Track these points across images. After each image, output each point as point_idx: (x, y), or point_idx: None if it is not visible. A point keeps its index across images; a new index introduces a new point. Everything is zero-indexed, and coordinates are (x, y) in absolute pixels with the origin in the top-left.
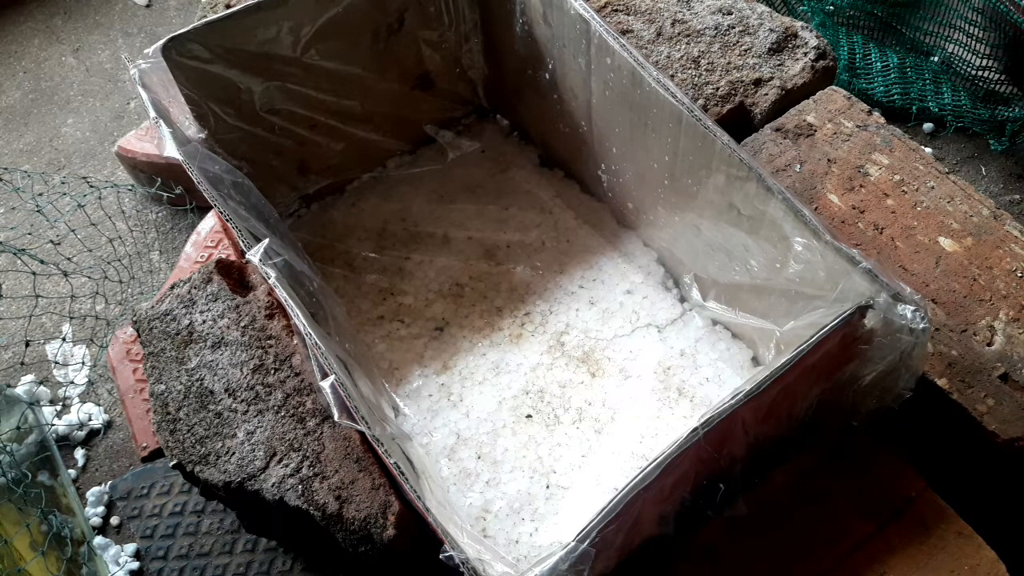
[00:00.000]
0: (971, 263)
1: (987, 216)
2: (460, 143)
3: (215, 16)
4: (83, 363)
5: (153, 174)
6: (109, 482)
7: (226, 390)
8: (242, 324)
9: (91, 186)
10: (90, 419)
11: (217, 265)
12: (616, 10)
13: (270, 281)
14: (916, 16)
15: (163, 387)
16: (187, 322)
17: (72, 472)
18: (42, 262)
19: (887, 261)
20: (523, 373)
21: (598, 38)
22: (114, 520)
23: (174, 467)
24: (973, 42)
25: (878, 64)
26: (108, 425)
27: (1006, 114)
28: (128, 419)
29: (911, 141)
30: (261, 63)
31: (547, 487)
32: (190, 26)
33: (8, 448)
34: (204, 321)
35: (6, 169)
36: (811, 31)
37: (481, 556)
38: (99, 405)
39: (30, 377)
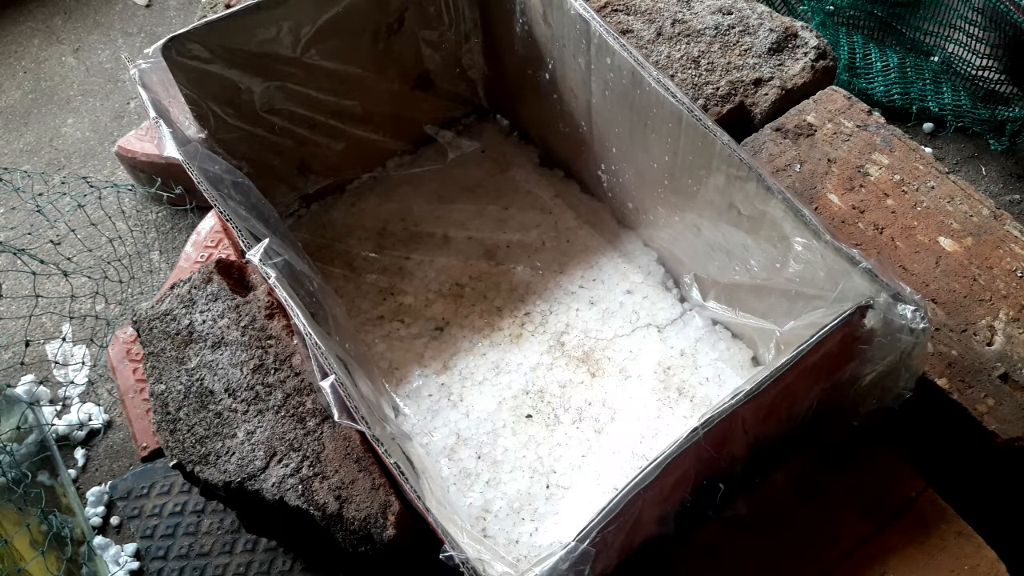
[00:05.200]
0: (971, 263)
1: (987, 216)
2: (460, 143)
3: (215, 16)
4: (83, 363)
5: (153, 174)
6: (109, 482)
7: (226, 390)
8: (242, 324)
9: (91, 186)
10: (90, 419)
11: (217, 265)
12: (616, 10)
13: (270, 281)
14: (916, 16)
15: (163, 387)
16: (187, 322)
17: (72, 472)
18: (42, 262)
19: (887, 261)
20: (523, 373)
21: (598, 38)
22: (114, 520)
23: (174, 467)
24: (973, 42)
25: (878, 64)
26: (108, 425)
27: (1006, 114)
28: (128, 419)
29: (911, 141)
30: (261, 63)
31: (547, 487)
32: (190, 26)
33: (8, 448)
34: (204, 321)
35: (6, 169)
36: (811, 31)
37: (481, 556)
38: (99, 405)
39: (30, 377)
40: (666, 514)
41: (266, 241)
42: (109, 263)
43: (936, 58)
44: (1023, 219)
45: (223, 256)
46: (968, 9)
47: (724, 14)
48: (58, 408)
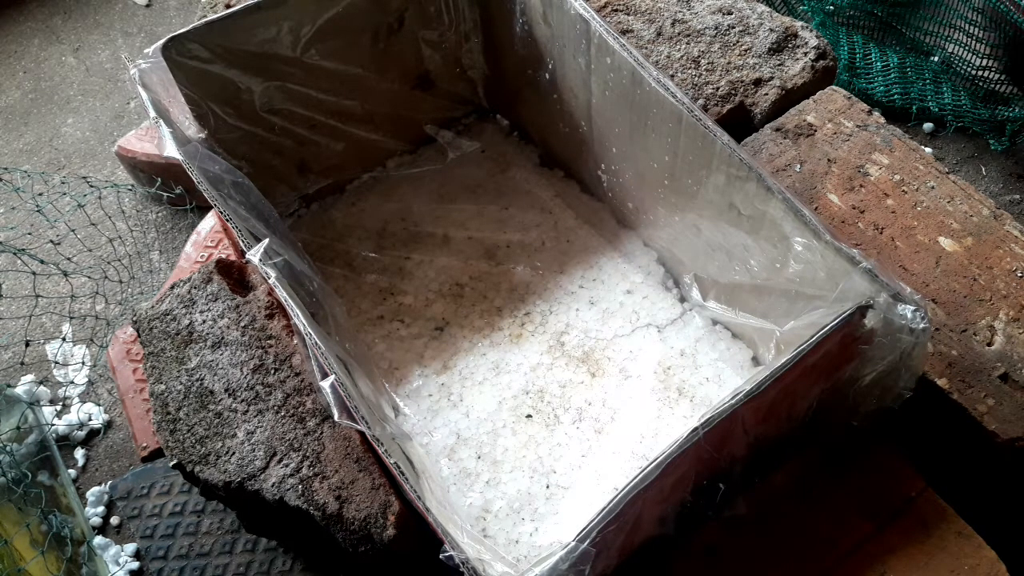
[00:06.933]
0: (971, 263)
1: (987, 216)
2: (460, 143)
3: (215, 16)
4: (83, 363)
5: (153, 174)
6: (109, 482)
7: (226, 390)
8: (242, 324)
9: (91, 186)
10: (90, 419)
11: (217, 265)
12: (616, 10)
13: (270, 281)
14: (916, 16)
15: (163, 387)
16: (187, 322)
17: (72, 472)
18: (42, 262)
19: (887, 261)
20: (523, 373)
21: (598, 38)
22: (114, 520)
23: (174, 467)
24: (973, 42)
25: (878, 64)
26: (108, 425)
27: (1006, 114)
28: (128, 419)
29: (911, 141)
30: (261, 63)
31: (547, 487)
32: (190, 26)
33: (8, 448)
34: (204, 321)
35: (6, 169)
36: (811, 31)
37: (481, 556)
38: (99, 405)
39: (30, 377)
40: (666, 514)
41: (266, 241)
42: (109, 263)
43: (936, 58)
44: (1023, 219)
45: (223, 256)
46: (968, 9)
47: (724, 14)
48: (58, 408)
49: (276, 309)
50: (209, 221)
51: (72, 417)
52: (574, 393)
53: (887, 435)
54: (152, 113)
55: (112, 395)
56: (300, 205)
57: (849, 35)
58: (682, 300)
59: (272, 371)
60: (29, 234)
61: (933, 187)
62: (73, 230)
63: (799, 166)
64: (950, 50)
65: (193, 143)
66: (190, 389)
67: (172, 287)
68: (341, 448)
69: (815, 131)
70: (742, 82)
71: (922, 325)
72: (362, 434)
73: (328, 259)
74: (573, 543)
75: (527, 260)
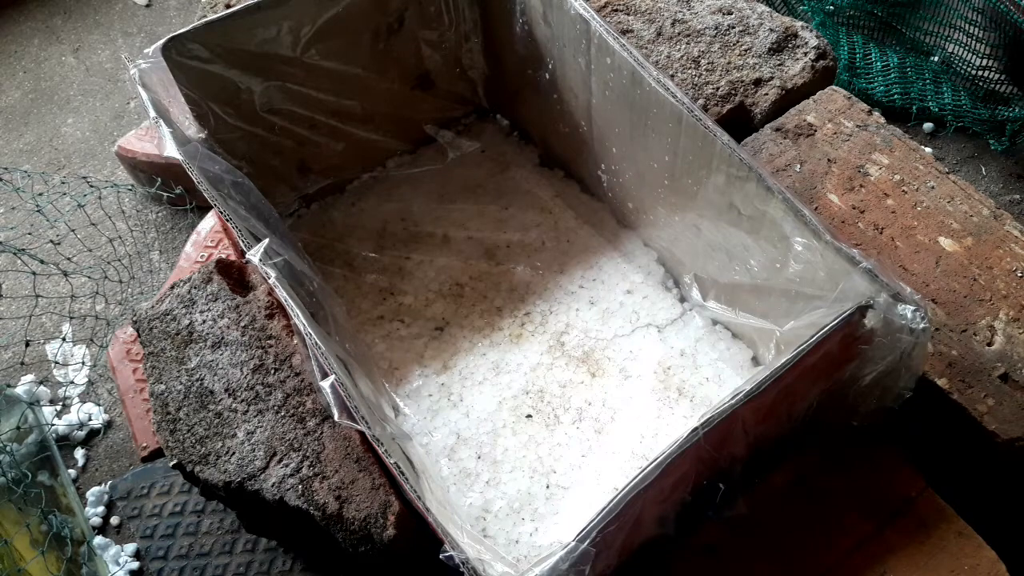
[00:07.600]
0: (971, 263)
1: (987, 216)
2: (460, 143)
3: (215, 16)
4: (83, 363)
5: (153, 174)
6: (109, 482)
7: (226, 390)
8: (242, 324)
9: (91, 186)
10: (90, 419)
11: (217, 265)
12: (616, 10)
13: (270, 281)
14: (916, 16)
15: (163, 387)
16: (187, 322)
17: (72, 472)
18: (42, 262)
19: (887, 261)
20: (523, 373)
21: (598, 38)
22: (114, 520)
23: (174, 467)
24: (973, 42)
25: (878, 64)
26: (108, 425)
27: (1006, 114)
28: (128, 419)
29: (911, 141)
30: (261, 63)
31: (547, 487)
32: (190, 26)
33: (8, 448)
34: (204, 321)
35: (6, 169)
36: (811, 31)
37: (481, 556)
38: (99, 405)
39: (30, 377)
40: (666, 514)
41: (266, 241)
42: (109, 263)
43: (936, 58)
44: (1023, 219)
45: (223, 256)
46: (968, 9)
47: (724, 14)
48: (58, 408)
49: (276, 309)
50: (209, 221)
51: (72, 417)
52: (574, 393)
53: (887, 435)
54: (152, 113)
55: (112, 395)
56: (300, 205)
57: (849, 35)
58: (682, 300)
59: (272, 371)
60: (29, 234)
61: (933, 187)
62: (73, 230)
63: (799, 166)
64: (950, 50)
65: (193, 143)
66: (190, 389)
67: (172, 287)
68: (341, 448)
69: (815, 131)
70: (742, 82)
71: (922, 325)
72: (362, 434)
73: (328, 259)
74: (573, 543)
75: (527, 260)
